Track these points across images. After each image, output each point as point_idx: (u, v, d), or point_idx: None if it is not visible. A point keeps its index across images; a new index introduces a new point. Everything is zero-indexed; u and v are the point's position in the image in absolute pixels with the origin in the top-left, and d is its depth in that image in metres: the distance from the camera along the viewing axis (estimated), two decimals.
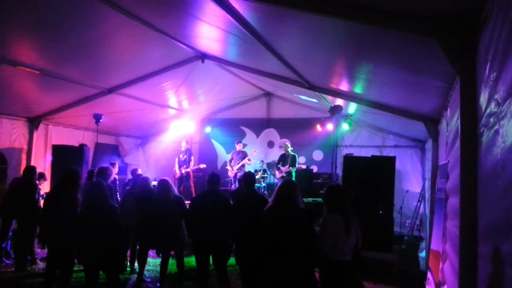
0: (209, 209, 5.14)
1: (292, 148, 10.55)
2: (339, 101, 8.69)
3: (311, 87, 7.83)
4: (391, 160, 8.10)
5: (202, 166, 11.20)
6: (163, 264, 6.01)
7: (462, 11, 2.89)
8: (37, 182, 7.20)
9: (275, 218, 4.10)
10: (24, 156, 9.36)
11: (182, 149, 11.29)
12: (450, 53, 3.08)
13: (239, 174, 9.22)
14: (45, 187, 8.04)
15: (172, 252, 6.19)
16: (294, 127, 11.93)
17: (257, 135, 12.77)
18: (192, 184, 11.21)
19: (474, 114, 2.97)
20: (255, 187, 5.73)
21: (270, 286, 4.05)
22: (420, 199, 9.08)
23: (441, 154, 6.10)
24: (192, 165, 11.14)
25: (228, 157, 11.73)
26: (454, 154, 3.91)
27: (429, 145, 8.38)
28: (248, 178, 5.35)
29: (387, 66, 5.12)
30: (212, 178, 5.40)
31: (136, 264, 6.60)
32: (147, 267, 6.59)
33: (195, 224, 5.26)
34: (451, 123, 4.34)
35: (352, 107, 9.48)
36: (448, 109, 4.76)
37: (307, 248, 3.99)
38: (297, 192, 4.23)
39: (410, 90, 5.95)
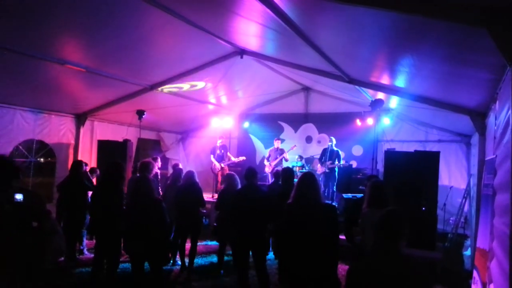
0: (248, 203, 5.08)
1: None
2: (380, 95, 8.51)
3: (351, 80, 7.70)
4: (435, 155, 7.85)
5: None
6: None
7: None
8: (90, 175, 7.53)
9: (293, 215, 3.80)
10: (71, 151, 9.76)
11: (218, 145, 11.42)
12: (501, 43, 2.94)
13: (276, 170, 9.23)
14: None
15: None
16: (333, 122, 11.76)
17: (295, 130, 12.72)
18: None
19: None
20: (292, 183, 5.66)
21: (291, 286, 3.77)
22: (465, 195, 8.76)
23: (488, 149, 5.87)
24: (228, 160, 11.24)
25: (266, 152, 11.75)
26: (503, 148, 3.75)
27: (474, 139, 8.07)
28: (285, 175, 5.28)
29: (431, 58, 4.96)
30: (250, 172, 5.33)
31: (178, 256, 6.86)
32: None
33: (235, 218, 5.23)
34: (500, 116, 4.17)
35: (393, 101, 9.25)
36: (497, 102, 4.56)
37: (329, 247, 3.68)
38: (317, 185, 3.86)
39: (456, 83, 5.74)
